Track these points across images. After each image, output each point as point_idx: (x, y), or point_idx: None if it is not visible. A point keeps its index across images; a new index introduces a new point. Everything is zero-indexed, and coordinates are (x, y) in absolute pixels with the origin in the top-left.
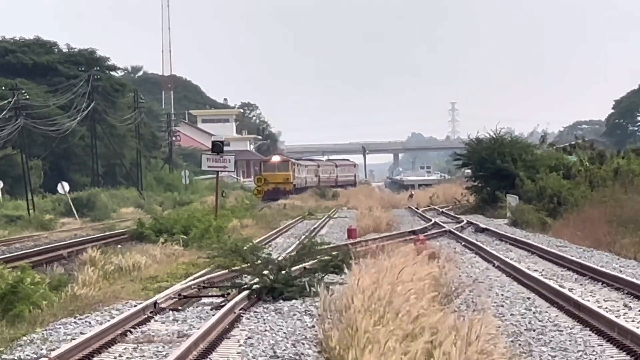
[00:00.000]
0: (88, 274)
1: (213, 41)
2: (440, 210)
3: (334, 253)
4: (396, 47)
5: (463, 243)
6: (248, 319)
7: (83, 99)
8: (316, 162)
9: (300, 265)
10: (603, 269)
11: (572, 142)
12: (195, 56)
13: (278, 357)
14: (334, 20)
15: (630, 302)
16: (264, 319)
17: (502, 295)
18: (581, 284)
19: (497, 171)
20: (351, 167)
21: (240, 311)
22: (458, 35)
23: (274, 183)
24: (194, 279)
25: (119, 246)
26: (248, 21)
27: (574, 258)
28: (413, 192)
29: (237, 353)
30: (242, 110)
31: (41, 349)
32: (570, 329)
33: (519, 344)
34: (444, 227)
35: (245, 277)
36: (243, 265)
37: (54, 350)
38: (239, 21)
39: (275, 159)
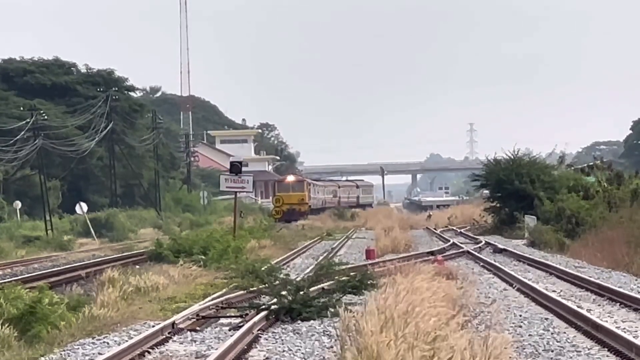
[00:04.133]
0: (106, 295)
1: (231, 62)
2: (459, 230)
3: (352, 273)
4: (415, 68)
5: (481, 264)
6: (266, 339)
7: (101, 119)
8: (335, 183)
9: (319, 286)
10: (621, 290)
11: (590, 163)
12: (213, 77)
13: None
14: (355, 41)
15: None
16: (282, 340)
17: (521, 315)
18: (599, 305)
19: (515, 192)
20: (370, 187)
21: (259, 332)
22: (477, 57)
23: (288, 204)
24: (212, 300)
25: (137, 267)
26: (267, 42)
27: (592, 279)
28: (431, 213)
29: None
30: (260, 131)
31: None
32: (589, 349)
33: None
34: (462, 247)
35: (264, 297)
36: (261, 286)
37: None
38: (257, 42)
39: (290, 178)
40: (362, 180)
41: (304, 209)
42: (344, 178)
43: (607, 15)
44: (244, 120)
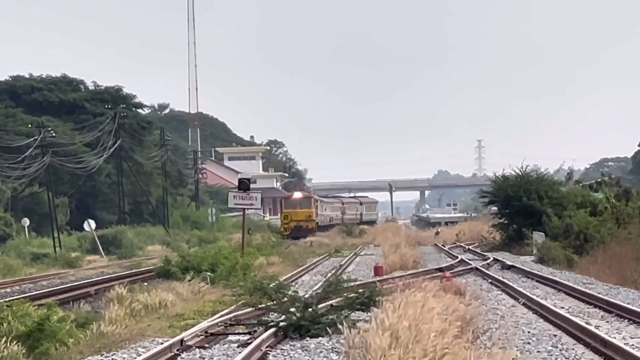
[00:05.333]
0: (114, 312)
1: (239, 79)
2: (467, 247)
3: (360, 290)
4: (423, 84)
5: (489, 280)
6: (275, 356)
7: (109, 136)
8: (339, 199)
9: (327, 303)
10: (630, 306)
11: (598, 179)
12: (221, 94)
13: None
14: (361, 60)
15: None
16: (291, 357)
17: (529, 332)
18: (608, 321)
19: (523, 208)
20: (374, 204)
21: (267, 349)
22: (485, 74)
23: (295, 220)
24: (220, 317)
25: (145, 284)
26: (273, 59)
27: (600, 295)
28: (439, 230)
29: None
30: (268, 148)
31: None
32: None
33: None
34: (471, 264)
35: (272, 314)
36: (269, 303)
37: None
38: (264, 59)
39: (297, 195)
40: (366, 196)
41: (311, 225)
42: (348, 195)
43: (615, 33)
44: (252, 137)
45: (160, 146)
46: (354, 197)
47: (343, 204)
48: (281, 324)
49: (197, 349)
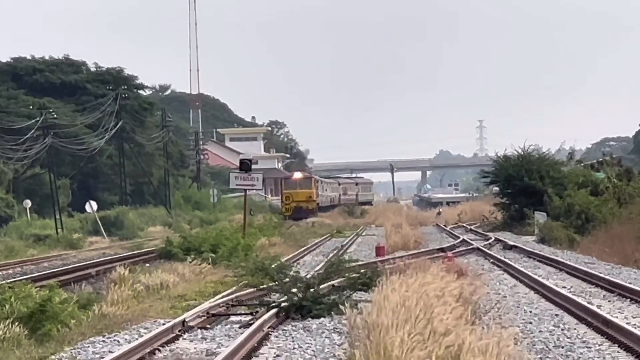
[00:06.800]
0: (116, 293)
1: (241, 59)
2: (468, 227)
3: (362, 270)
4: (424, 65)
5: (491, 260)
6: (276, 337)
7: (111, 117)
8: (336, 180)
9: (329, 283)
10: (631, 286)
11: (600, 159)
12: (223, 74)
13: None
14: (362, 40)
15: None
16: (293, 337)
17: (531, 312)
18: (610, 301)
19: (525, 188)
20: (369, 185)
21: (269, 329)
22: (487, 54)
23: (295, 201)
24: (222, 297)
25: (147, 265)
26: (276, 40)
27: (602, 275)
28: (441, 210)
29: None
30: (270, 129)
31: None
32: (599, 345)
33: None
34: (472, 244)
35: (274, 295)
36: (271, 284)
37: None
38: (266, 40)
39: (297, 175)
40: (362, 177)
41: (311, 206)
42: (344, 176)
43: (617, 12)
44: (253, 117)
45: (161, 127)
46: (349, 177)
47: (339, 184)
48: (283, 304)
49: (199, 330)
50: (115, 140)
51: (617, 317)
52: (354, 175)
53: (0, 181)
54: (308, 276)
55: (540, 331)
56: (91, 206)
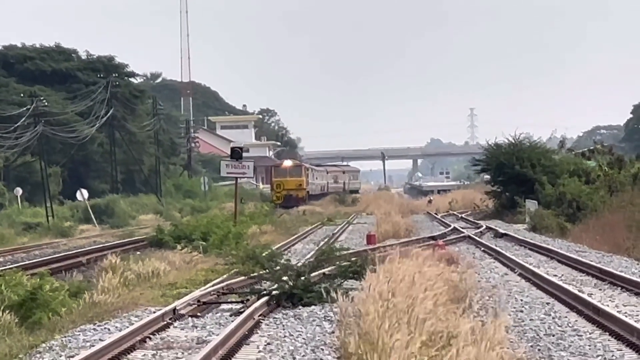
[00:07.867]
0: (107, 281)
1: (232, 47)
2: (460, 215)
3: (353, 259)
4: (415, 54)
5: (482, 248)
6: (267, 325)
7: (102, 105)
8: (325, 168)
9: (320, 271)
10: (622, 274)
11: (591, 147)
12: (214, 62)
13: None
14: (353, 28)
15: None
16: (284, 325)
17: (522, 300)
18: (600, 289)
19: (516, 176)
20: (356, 173)
21: (260, 317)
22: (477, 42)
23: (286, 189)
24: (213, 286)
25: (138, 253)
26: (267, 28)
27: (593, 263)
28: (432, 198)
29: (257, 359)
30: (261, 117)
31: (60, 356)
32: (590, 333)
33: (539, 349)
34: (463, 232)
35: (265, 283)
36: (262, 272)
37: (72, 357)
38: (257, 28)
39: (287, 163)
40: (348, 165)
41: (301, 194)
42: (331, 164)
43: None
44: (244, 106)
45: (152, 115)
46: (336, 165)
47: (327, 172)
48: (274, 292)
49: (190, 318)
50: (106, 128)
51: (607, 306)
52: (342, 163)
53: None
54: (299, 264)
55: (531, 319)
56: (82, 194)
